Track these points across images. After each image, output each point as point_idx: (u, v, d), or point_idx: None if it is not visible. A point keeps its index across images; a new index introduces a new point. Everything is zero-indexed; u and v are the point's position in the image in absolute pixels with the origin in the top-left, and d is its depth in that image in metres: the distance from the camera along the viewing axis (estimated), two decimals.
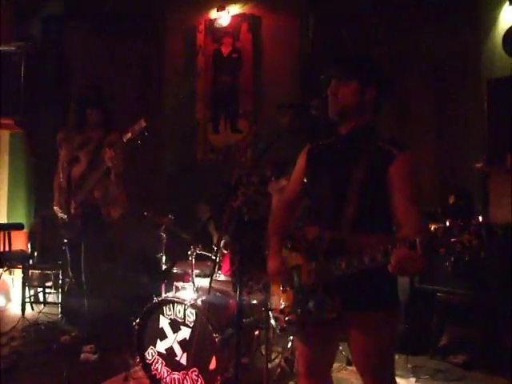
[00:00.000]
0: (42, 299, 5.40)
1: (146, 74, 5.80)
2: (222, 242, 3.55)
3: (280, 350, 3.73)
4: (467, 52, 4.61)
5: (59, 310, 5.01)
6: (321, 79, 2.17)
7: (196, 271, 3.59)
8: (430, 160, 4.66)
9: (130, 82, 5.74)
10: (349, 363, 3.70)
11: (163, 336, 3.35)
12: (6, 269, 5.08)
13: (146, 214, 4.07)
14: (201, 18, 5.62)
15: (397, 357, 3.92)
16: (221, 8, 5.40)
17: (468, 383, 3.71)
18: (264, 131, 4.73)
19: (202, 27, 5.59)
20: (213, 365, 3.15)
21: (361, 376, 2.13)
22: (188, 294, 3.46)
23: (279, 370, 3.55)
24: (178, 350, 3.29)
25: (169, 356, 3.32)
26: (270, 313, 2.32)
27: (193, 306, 3.23)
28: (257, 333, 3.47)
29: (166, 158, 5.77)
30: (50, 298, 5.39)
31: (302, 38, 5.23)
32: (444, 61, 4.69)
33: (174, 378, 3.29)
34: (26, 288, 5.13)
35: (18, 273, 5.33)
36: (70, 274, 4.44)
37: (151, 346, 3.40)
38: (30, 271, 5.32)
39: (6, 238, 5.17)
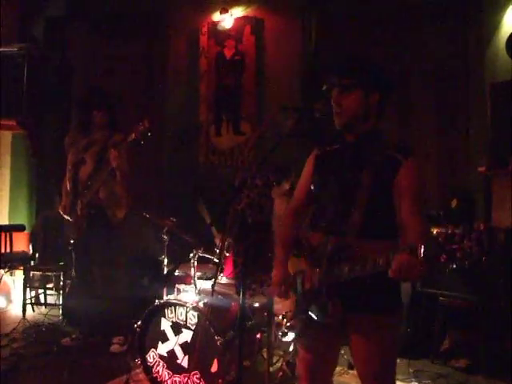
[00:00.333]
0: (43, 301, 5.39)
1: (149, 76, 5.79)
2: (225, 244, 3.55)
3: (282, 353, 3.71)
4: (470, 55, 4.61)
5: (60, 311, 5.00)
6: (323, 91, 2.16)
7: (198, 273, 3.59)
8: (432, 163, 4.65)
9: (133, 84, 5.74)
10: (350, 367, 3.69)
11: (165, 338, 3.34)
12: (7, 270, 5.08)
13: (147, 215, 4.07)
14: (204, 20, 5.61)
15: (398, 361, 3.88)
16: (224, 11, 5.40)
17: None
18: (268, 134, 4.73)
19: (204, 30, 5.59)
20: (214, 368, 3.14)
21: (361, 381, 2.12)
22: (190, 296, 3.45)
23: (281, 373, 3.54)
24: (179, 352, 3.28)
25: (170, 359, 3.31)
26: (273, 317, 2.32)
27: (195, 308, 3.22)
28: (258, 336, 3.47)
29: (168, 160, 5.76)
30: (51, 300, 5.38)
31: (304, 41, 5.23)
32: (446, 64, 4.69)
33: (176, 381, 3.27)
34: (27, 289, 5.12)
35: (19, 274, 5.33)
36: (74, 274, 4.46)
37: (152, 349, 3.39)
38: (31, 272, 5.31)
39: (8, 239, 5.18)
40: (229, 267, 3.85)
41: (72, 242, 4.35)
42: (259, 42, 5.42)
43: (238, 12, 5.47)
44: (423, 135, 4.74)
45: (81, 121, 4.38)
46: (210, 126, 5.59)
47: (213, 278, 3.38)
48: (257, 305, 3.48)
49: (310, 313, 2.05)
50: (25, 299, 5.03)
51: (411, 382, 3.70)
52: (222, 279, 3.76)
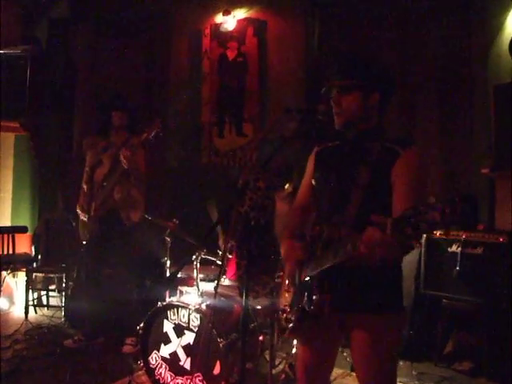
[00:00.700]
0: (45, 302, 5.38)
1: (152, 78, 5.79)
2: (228, 247, 3.54)
3: (284, 355, 3.70)
4: (473, 57, 4.60)
5: (62, 313, 4.99)
6: (322, 92, 2.17)
7: (201, 275, 3.58)
8: (435, 164, 4.64)
9: (135, 86, 5.74)
10: (353, 369, 3.67)
11: (167, 340, 3.34)
12: (9, 272, 5.08)
13: (150, 217, 4.08)
14: (206, 22, 5.61)
15: (401, 363, 3.91)
16: (226, 12, 5.39)
17: None
18: (270, 135, 4.72)
19: (207, 31, 5.59)
20: (217, 370, 3.14)
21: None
22: (192, 298, 3.45)
23: (283, 375, 3.53)
24: (181, 354, 3.28)
25: (173, 361, 3.30)
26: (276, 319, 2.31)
27: (197, 310, 3.22)
28: (261, 338, 3.46)
29: (170, 162, 5.75)
30: (54, 302, 5.39)
31: (307, 42, 5.23)
32: (450, 65, 4.68)
33: (178, 383, 3.27)
34: (30, 291, 5.12)
35: (21, 276, 5.32)
36: (81, 275, 4.47)
37: (155, 351, 3.38)
38: (34, 274, 5.31)
39: (10, 240, 5.18)
40: (231, 269, 3.85)
41: (84, 242, 4.37)
42: (262, 44, 5.41)
43: (241, 14, 5.47)
44: (426, 137, 4.73)
45: (99, 122, 4.46)
46: (213, 127, 5.58)
47: (215, 279, 3.38)
48: (259, 307, 3.47)
49: (301, 304, 2.04)
50: (27, 301, 5.03)
51: None
52: (225, 281, 3.75)
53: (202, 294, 3.47)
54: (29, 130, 5.55)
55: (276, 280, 2.31)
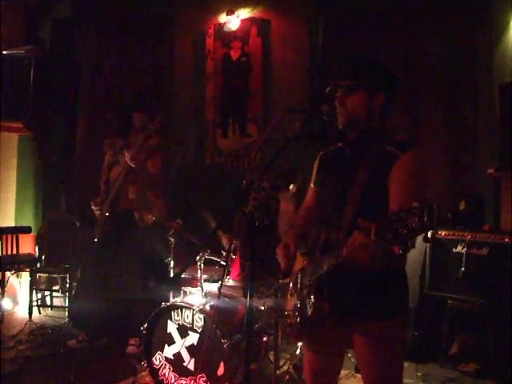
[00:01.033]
0: (49, 303, 5.39)
1: (155, 78, 5.79)
2: (232, 247, 3.53)
3: (288, 356, 3.70)
4: (479, 56, 4.57)
5: (66, 313, 4.99)
6: (327, 92, 2.16)
7: (204, 276, 3.57)
8: (440, 165, 4.62)
9: (139, 86, 5.73)
10: (357, 370, 3.66)
11: (171, 341, 3.34)
12: (13, 272, 5.08)
13: (154, 217, 4.07)
14: (210, 22, 5.60)
15: (406, 364, 3.87)
16: (230, 12, 5.38)
17: None
18: (274, 136, 4.71)
19: (211, 31, 5.58)
20: (221, 371, 3.13)
21: None
22: (196, 298, 3.44)
23: (287, 376, 3.52)
24: (185, 355, 3.27)
25: (176, 361, 3.30)
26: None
27: (201, 311, 3.21)
28: (265, 339, 3.45)
29: (174, 162, 5.74)
30: (57, 302, 5.39)
31: (311, 42, 5.21)
32: (455, 65, 4.65)
33: None
34: (34, 291, 5.12)
35: (25, 276, 5.33)
36: (90, 274, 4.48)
37: (159, 351, 3.38)
38: (38, 275, 5.32)
39: (14, 241, 5.18)
40: (235, 269, 3.84)
41: (96, 240, 4.39)
42: (266, 44, 5.40)
43: (245, 13, 5.46)
44: (431, 137, 4.71)
45: (120, 123, 4.54)
46: (217, 127, 5.57)
47: (219, 280, 3.37)
48: (263, 308, 3.46)
49: (301, 310, 2.03)
50: (31, 301, 5.03)
51: None
52: (229, 282, 3.75)
53: (206, 295, 3.46)
54: (32, 131, 5.55)
55: (280, 281, 2.29)
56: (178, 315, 3.33)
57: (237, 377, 3.13)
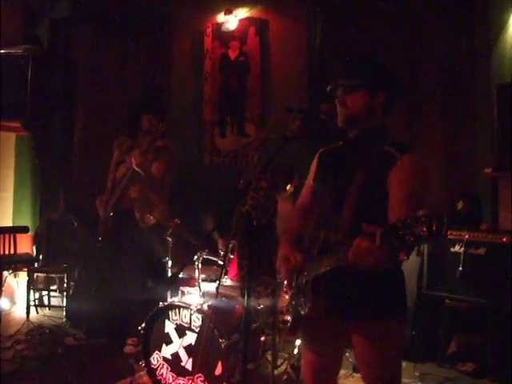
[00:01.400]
0: (46, 302, 5.39)
1: (153, 78, 5.78)
2: (229, 247, 3.53)
3: (286, 356, 3.69)
4: (477, 56, 4.58)
5: (64, 313, 4.99)
6: (327, 91, 2.16)
7: (202, 276, 3.57)
8: (438, 165, 4.62)
9: (137, 86, 5.72)
10: (355, 370, 3.66)
11: (169, 341, 3.33)
12: (11, 272, 5.07)
13: (151, 217, 4.07)
14: (208, 21, 5.59)
15: (404, 364, 3.87)
16: (228, 12, 5.37)
17: None
18: (272, 135, 4.71)
19: (209, 31, 5.57)
20: (218, 370, 3.13)
21: None
22: (194, 298, 3.44)
23: (285, 376, 3.52)
24: (183, 355, 3.27)
25: (174, 361, 3.30)
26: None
27: (199, 310, 3.21)
28: (263, 338, 3.45)
29: (172, 162, 5.73)
30: (55, 302, 5.39)
31: (309, 41, 5.20)
32: (453, 64, 4.66)
33: None
34: (31, 291, 5.12)
35: (22, 276, 5.32)
36: (93, 272, 4.50)
37: (156, 351, 3.38)
38: (35, 274, 5.31)
39: (12, 240, 5.17)
40: (233, 269, 3.84)
41: (100, 238, 4.39)
42: (264, 43, 5.39)
43: (243, 13, 5.45)
44: (429, 136, 4.71)
45: (129, 124, 4.57)
46: (215, 127, 5.57)
47: (217, 280, 3.37)
48: (261, 307, 3.46)
49: (296, 307, 2.03)
50: (28, 301, 5.03)
51: None
52: (227, 281, 3.74)
53: (204, 295, 3.45)
54: (30, 130, 5.55)
55: (278, 280, 2.29)
56: (175, 315, 3.32)
57: (235, 376, 3.13)
